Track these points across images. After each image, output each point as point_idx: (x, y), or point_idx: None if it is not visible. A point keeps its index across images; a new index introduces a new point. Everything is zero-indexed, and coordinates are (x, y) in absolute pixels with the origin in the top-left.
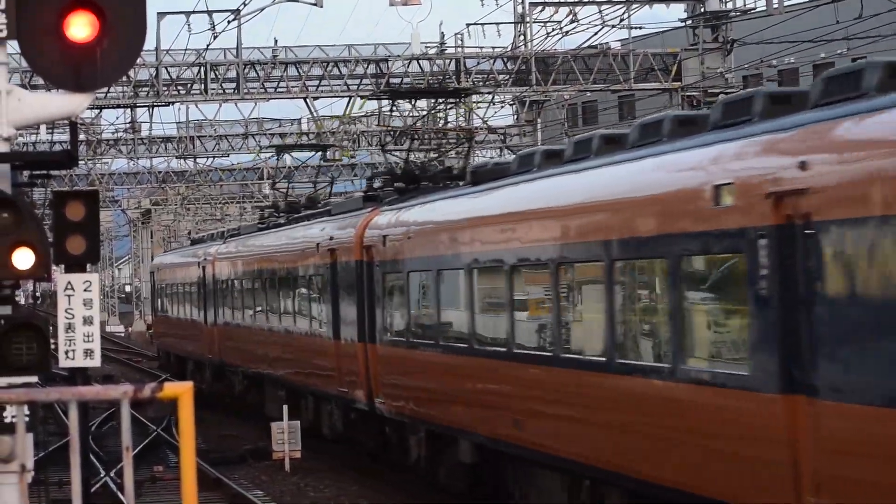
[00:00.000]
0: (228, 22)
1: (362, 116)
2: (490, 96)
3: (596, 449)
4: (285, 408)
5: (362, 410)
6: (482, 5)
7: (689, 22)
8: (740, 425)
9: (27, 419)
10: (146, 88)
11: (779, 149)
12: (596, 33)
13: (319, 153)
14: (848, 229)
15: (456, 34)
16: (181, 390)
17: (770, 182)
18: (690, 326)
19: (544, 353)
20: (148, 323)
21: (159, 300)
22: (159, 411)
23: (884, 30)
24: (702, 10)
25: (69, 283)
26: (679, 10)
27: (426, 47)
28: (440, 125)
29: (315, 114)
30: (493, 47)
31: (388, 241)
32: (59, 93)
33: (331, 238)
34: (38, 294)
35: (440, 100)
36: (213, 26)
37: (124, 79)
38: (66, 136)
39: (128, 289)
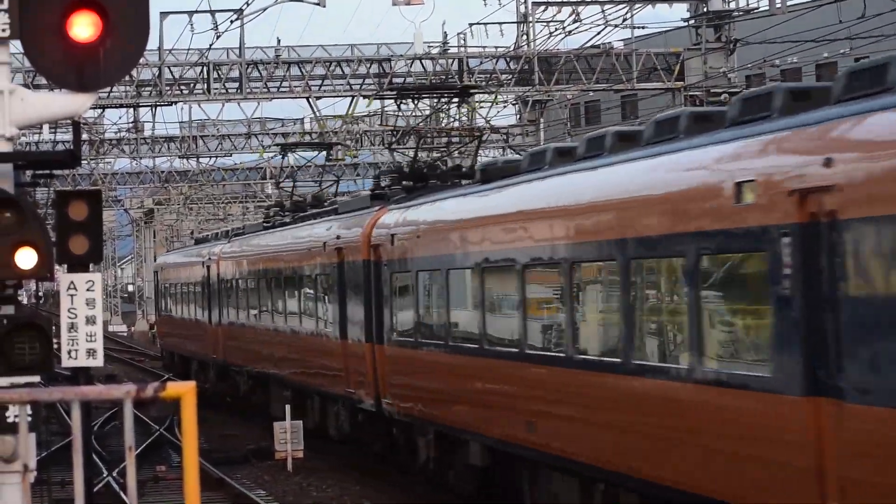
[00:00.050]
0: (231, 21)
1: (365, 116)
2: (493, 96)
3: (611, 451)
4: (288, 408)
5: (369, 411)
6: (485, 5)
7: (691, 21)
8: (762, 428)
9: (30, 419)
10: (149, 88)
11: (803, 145)
12: (599, 33)
13: (323, 153)
14: (875, 227)
15: (459, 34)
16: (184, 390)
17: (794, 179)
18: (709, 327)
19: (558, 354)
20: (151, 322)
21: (163, 300)
22: (162, 411)
23: (886, 29)
24: (705, 9)
25: (72, 282)
26: (682, 10)
27: (429, 47)
28: (443, 125)
29: (318, 113)
30: (496, 47)
31: (397, 239)
32: (62, 92)
33: (338, 237)
34: (40, 294)
35: (445, 99)
36: (216, 26)
37: (127, 78)
38: (68, 136)
39: (130, 288)
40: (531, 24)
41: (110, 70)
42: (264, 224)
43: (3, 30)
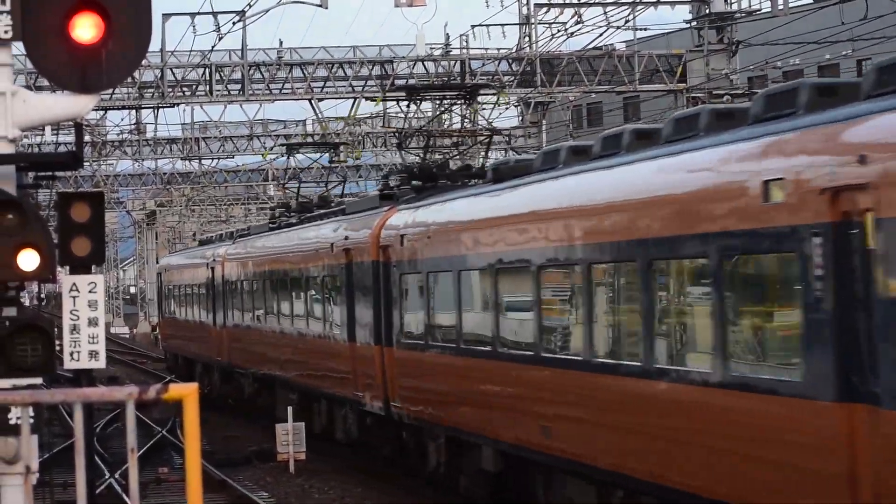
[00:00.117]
0: (233, 23)
1: (367, 118)
2: (496, 97)
3: (631, 457)
4: (290, 409)
5: (378, 415)
6: (487, 6)
7: (693, 23)
8: (791, 434)
9: (32, 420)
10: (151, 90)
11: (834, 142)
12: (601, 34)
13: (324, 155)
14: None
15: (461, 35)
16: (186, 392)
17: (825, 177)
18: (735, 330)
19: (575, 358)
20: (153, 324)
21: (167, 302)
22: (164, 413)
23: (889, 31)
24: (707, 11)
25: (74, 284)
26: (684, 12)
27: (431, 48)
28: (445, 126)
29: (320, 115)
30: (498, 48)
31: (406, 240)
32: (64, 94)
33: (346, 238)
34: (42, 295)
35: (452, 98)
36: (219, 27)
37: (129, 80)
38: (71, 138)
39: (132, 290)
40: (533, 26)
41: (112, 72)
42: (270, 225)
43: (6, 31)
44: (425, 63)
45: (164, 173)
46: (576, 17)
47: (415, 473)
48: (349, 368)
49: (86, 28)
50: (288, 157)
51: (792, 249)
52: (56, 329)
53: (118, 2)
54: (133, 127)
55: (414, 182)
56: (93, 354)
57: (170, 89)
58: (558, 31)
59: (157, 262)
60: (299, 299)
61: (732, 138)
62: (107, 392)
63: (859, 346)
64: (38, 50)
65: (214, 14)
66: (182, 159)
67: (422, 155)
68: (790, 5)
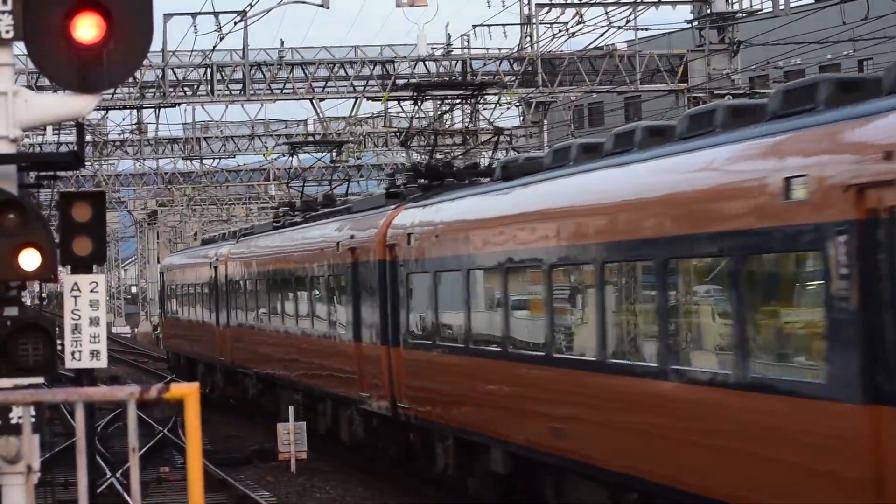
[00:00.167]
0: (235, 23)
1: (369, 118)
2: (498, 97)
3: (645, 459)
4: (291, 409)
5: (384, 416)
6: (488, 6)
7: (695, 23)
8: (814, 437)
9: (33, 420)
10: (152, 90)
11: (859, 137)
12: (602, 34)
13: (327, 154)
14: None
15: (462, 35)
16: (187, 391)
17: (850, 173)
18: (755, 330)
19: (588, 359)
20: (154, 324)
21: (169, 301)
22: (165, 412)
23: (890, 31)
24: (708, 11)
25: (75, 284)
26: (685, 12)
27: (432, 48)
28: (447, 126)
29: (321, 115)
30: (500, 48)
31: (413, 239)
32: (66, 94)
33: (352, 237)
34: (44, 295)
35: (457, 97)
36: (220, 27)
37: (130, 80)
38: (72, 138)
39: (134, 290)
40: (535, 26)
41: (114, 71)
42: (274, 224)
43: (7, 31)
44: (427, 63)
45: (166, 173)
46: (577, 17)
47: (422, 475)
48: (355, 369)
49: (87, 28)
50: (291, 156)
51: (815, 248)
52: (57, 328)
53: (119, 2)
54: (134, 127)
55: (420, 180)
56: (94, 354)
57: (171, 89)
58: (560, 30)
59: (159, 262)
60: (304, 299)
61: (750, 135)
62: (108, 391)
63: (885, 347)
64: (40, 50)
65: (216, 14)
66: (183, 159)
67: (428, 153)
68: (791, 5)
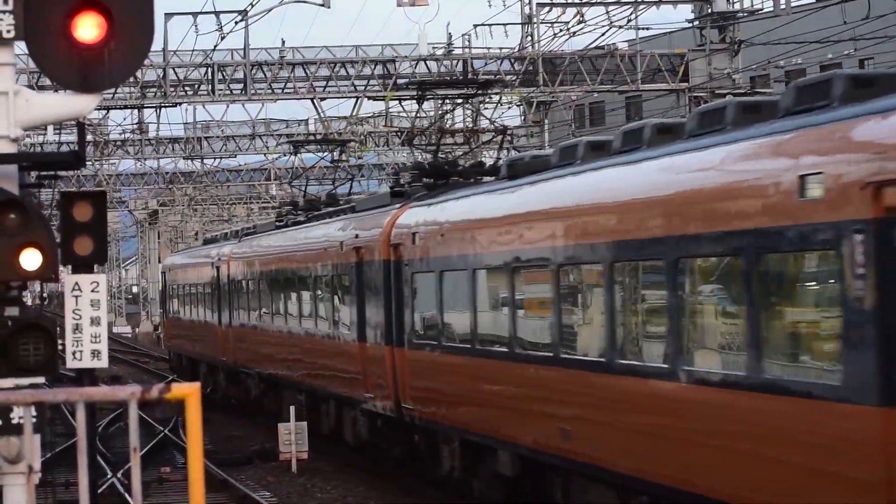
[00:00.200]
0: (236, 23)
1: (370, 117)
2: (500, 96)
3: (655, 462)
4: (292, 409)
5: (388, 417)
6: (489, 6)
7: (696, 23)
8: (828, 439)
9: (34, 420)
10: (153, 89)
11: (877, 134)
12: (603, 34)
13: (329, 153)
14: None
15: (463, 35)
16: (188, 391)
17: (867, 171)
18: (768, 331)
19: (597, 360)
20: (155, 324)
21: (171, 301)
22: (166, 412)
23: (891, 30)
24: (709, 10)
25: (77, 283)
26: (686, 11)
27: (433, 48)
28: (448, 125)
29: (322, 115)
30: (501, 48)
31: (419, 238)
32: (67, 93)
33: (356, 236)
34: (45, 295)
35: (461, 95)
36: (221, 27)
37: (131, 80)
38: (73, 137)
39: (135, 290)
40: (535, 25)
41: (115, 71)
42: (277, 223)
43: (8, 31)
44: (428, 62)
45: (167, 173)
46: (578, 17)
47: (426, 476)
48: (359, 369)
49: (88, 28)
50: (295, 155)
51: (831, 247)
52: (58, 328)
53: (120, 1)
54: (135, 126)
55: (425, 179)
56: (95, 354)
57: (172, 89)
58: (560, 30)
59: (160, 262)
60: (307, 299)
61: (763, 132)
62: (109, 391)
63: None
64: (41, 49)
65: (217, 13)
66: (184, 159)
67: (431, 152)
68: (792, 5)
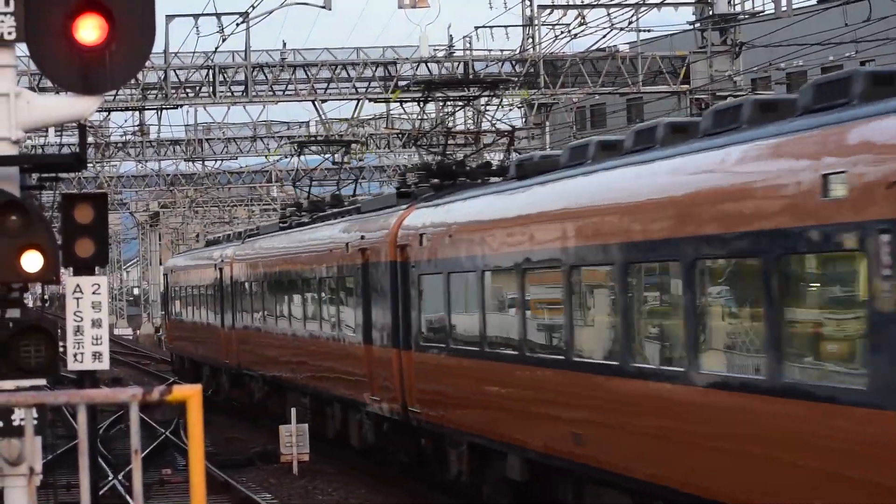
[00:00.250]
0: (237, 25)
1: (371, 119)
2: (500, 98)
3: (670, 467)
4: (293, 411)
5: (395, 420)
6: (490, 8)
7: (697, 25)
8: (853, 445)
9: (36, 422)
10: (154, 91)
11: None
12: (604, 36)
13: (334, 154)
14: None
15: (464, 37)
16: (190, 393)
17: (893, 170)
18: (789, 334)
19: (611, 363)
20: (156, 326)
21: (173, 303)
22: (167, 414)
23: (892, 32)
24: (710, 12)
25: (78, 285)
26: (687, 13)
27: (434, 50)
28: (449, 126)
29: (323, 117)
30: (502, 50)
31: (426, 240)
32: (68, 95)
33: (362, 237)
34: (46, 297)
35: (467, 95)
36: (222, 29)
37: (133, 81)
38: (74, 139)
39: (136, 291)
40: (537, 28)
41: (116, 73)
42: (280, 224)
43: (9, 33)
44: (429, 64)
45: (168, 175)
46: (579, 19)
47: (433, 480)
48: (365, 372)
49: (89, 29)
50: (299, 156)
51: (855, 248)
52: (60, 330)
53: (122, 3)
54: (136, 128)
55: (432, 180)
56: (96, 356)
57: (173, 91)
58: (562, 32)
59: (161, 264)
60: (312, 301)
61: (783, 130)
62: (111, 393)
63: None
64: (42, 51)
65: (218, 15)
66: (185, 161)
67: (435, 153)
68: (793, 7)
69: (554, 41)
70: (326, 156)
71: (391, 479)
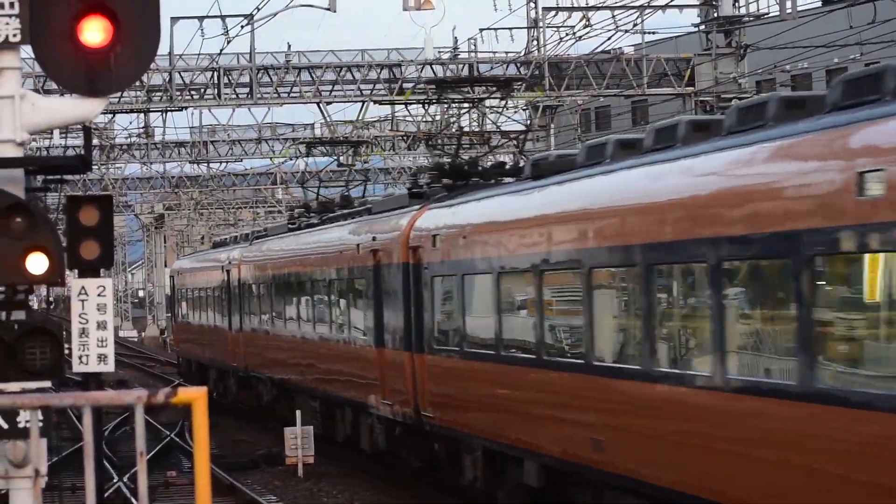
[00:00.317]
0: (242, 27)
1: (375, 121)
2: (505, 100)
3: (696, 474)
4: (298, 413)
5: (407, 424)
6: (495, 10)
7: (702, 27)
8: (890, 452)
9: (41, 424)
10: (159, 93)
11: None
12: (609, 38)
13: (341, 155)
14: None
15: (469, 39)
16: (195, 395)
17: None
18: (822, 337)
19: (633, 367)
20: (161, 327)
21: (179, 305)
22: (172, 416)
23: None
24: (715, 15)
25: (83, 287)
26: (692, 15)
27: (439, 52)
28: (454, 129)
29: (328, 119)
30: (507, 52)
31: (439, 241)
32: (73, 97)
33: (373, 238)
34: (51, 299)
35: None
36: (227, 31)
37: (137, 83)
38: (79, 141)
39: (141, 294)
40: (541, 30)
41: (121, 75)
42: (289, 226)
43: (14, 35)
44: (434, 66)
45: (173, 177)
46: (584, 21)
47: (446, 485)
48: (376, 375)
49: (94, 31)
50: (307, 157)
51: (892, 248)
52: (65, 332)
53: (127, 5)
54: (141, 130)
55: (445, 180)
56: (101, 358)
57: (178, 93)
58: (566, 34)
59: (166, 266)
60: (322, 303)
61: (813, 127)
62: (116, 396)
63: None
64: (47, 53)
65: (223, 17)
66: (190, 163)
67: (452, 153)
68: (798, 9)
69: (559, 43)
70: (334, 158)
71: (402, 483)
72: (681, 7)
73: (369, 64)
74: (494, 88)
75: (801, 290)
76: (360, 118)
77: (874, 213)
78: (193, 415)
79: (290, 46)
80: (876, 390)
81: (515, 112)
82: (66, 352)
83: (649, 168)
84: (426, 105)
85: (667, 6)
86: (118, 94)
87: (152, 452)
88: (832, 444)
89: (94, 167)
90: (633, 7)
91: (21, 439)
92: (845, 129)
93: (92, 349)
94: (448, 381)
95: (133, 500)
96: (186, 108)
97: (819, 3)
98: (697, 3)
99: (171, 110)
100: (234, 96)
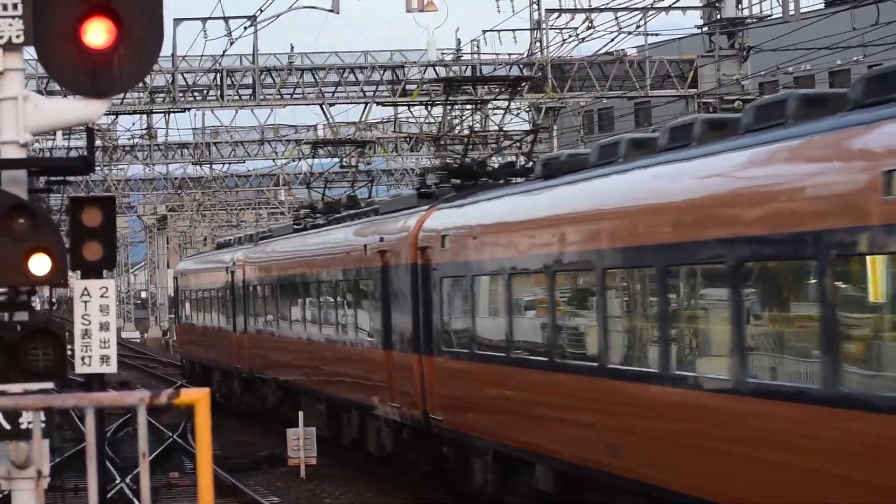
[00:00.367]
0: (244, 28)
1: (378, 123)
2: (508, 102)
3: (714, 480)
4: (301, 414)
5: (415, 427)
6: (498, 12)
7: (705, 29)
8: None
9: (43, 425)
10: (162, 94)
11: None
12: (612, 40)
13: (345, 156)
14: None
15: (472, 41)
16: (197, 397)
17: None
18: (846, 340)
19: (650, 370)
20: (164, 329)
21: (183, 307)
22: (175, 417)
23: None
24: (718, 16)
25: (85, 289)
26: (695, 17)
27: (442, 54)
28: (457, 130)
29: (331, 120)
30: (510, 54)
31: (448, 241)
32: (76, 99)
33: (380, 239)
34: (54, 300)
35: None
36: (230, 32)
37: (140, 85)
38: (82, 142)
39: (143, 295)
40: (544, 31)
41: (124, 76)
42: (294, 227)
43: (17, 36)
44: (436, 68)
45: (175, 178)
46: (587, 23)
47: (455, 489)
48: (384, 377)
49: (97, 33)
50: (312, 157)
51: None
52: (67, 333)
53: (130, 6)
54: (144, 131)
55: (453, 180)
56: (104, 359)
57: (181, 94)
58: (569, 36)
59: (169, 267)
60: (328, 304)
61: (836, 125)
62: (118, 397)
63: None
64: (50, 54)
65: (226, 19)
66: (193, 164)
67: (461, 153)
68: (801, 11)
69: (562, 45)
70: (339, 158)
71: (406, 486)
72: (684, 9)
73: (372, 65)
74: (501, 88)
75: (824, 293)
76: (362, 120)
77: None
78: (196, 416)
79: (293, 48)
80: None
81: (518, 113)
82: (69, 353)
83: (665, 167)
84: (429, 107)
85: (670, 8)
86: (121, 96)
87: (155, 453)
88: (859, 450)
89: (96, 168)
90: (636, 9)
91: (23, 440)
92: (870, 126)
93: (94, 350)
94: (457, 384)
95: (135, 501)
96: (189, 109)
97: (822, 5)
98: (700, 4)
99: (174, 112)
100: (236, 98)
